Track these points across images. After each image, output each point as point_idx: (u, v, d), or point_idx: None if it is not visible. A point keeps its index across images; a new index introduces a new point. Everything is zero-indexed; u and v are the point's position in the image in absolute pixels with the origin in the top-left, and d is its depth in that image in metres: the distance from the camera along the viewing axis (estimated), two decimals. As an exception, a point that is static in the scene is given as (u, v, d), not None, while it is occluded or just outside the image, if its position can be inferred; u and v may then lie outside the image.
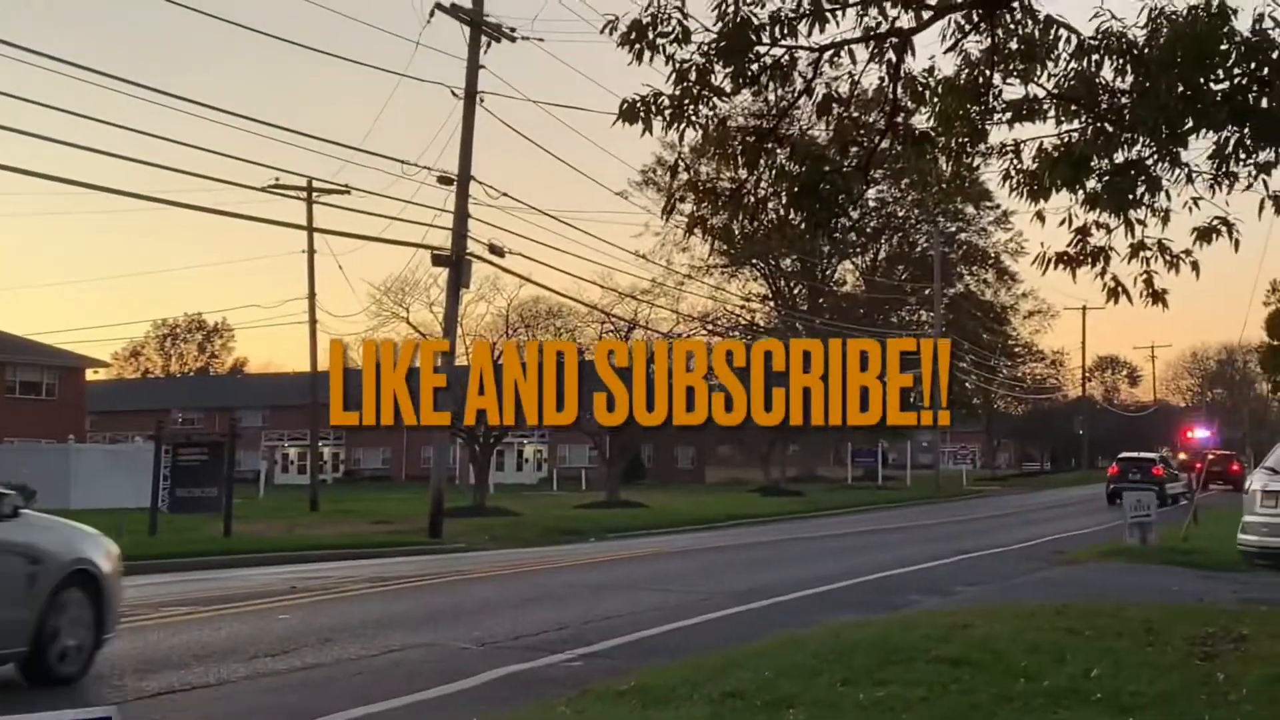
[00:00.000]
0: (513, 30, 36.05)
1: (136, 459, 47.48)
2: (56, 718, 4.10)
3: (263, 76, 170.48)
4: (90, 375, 79.87)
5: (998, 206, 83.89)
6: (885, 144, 11.29)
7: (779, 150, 10.66)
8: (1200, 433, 69.54)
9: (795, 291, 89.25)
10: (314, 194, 51.54)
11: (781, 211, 10.80)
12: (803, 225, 10.82)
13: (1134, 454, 60.28)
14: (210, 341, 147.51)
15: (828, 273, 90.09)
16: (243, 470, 63.70)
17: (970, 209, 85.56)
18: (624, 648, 14.24)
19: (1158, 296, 11.67)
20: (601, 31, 10.19)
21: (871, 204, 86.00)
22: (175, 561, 27.15)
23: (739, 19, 10.00)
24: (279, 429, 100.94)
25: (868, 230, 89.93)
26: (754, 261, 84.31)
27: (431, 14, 34.44)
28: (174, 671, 12.50)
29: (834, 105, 10.85)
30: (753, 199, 10.65)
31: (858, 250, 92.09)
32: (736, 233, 10.92)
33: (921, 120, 11.36)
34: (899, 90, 10.82)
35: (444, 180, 36.08)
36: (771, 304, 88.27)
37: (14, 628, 11.51)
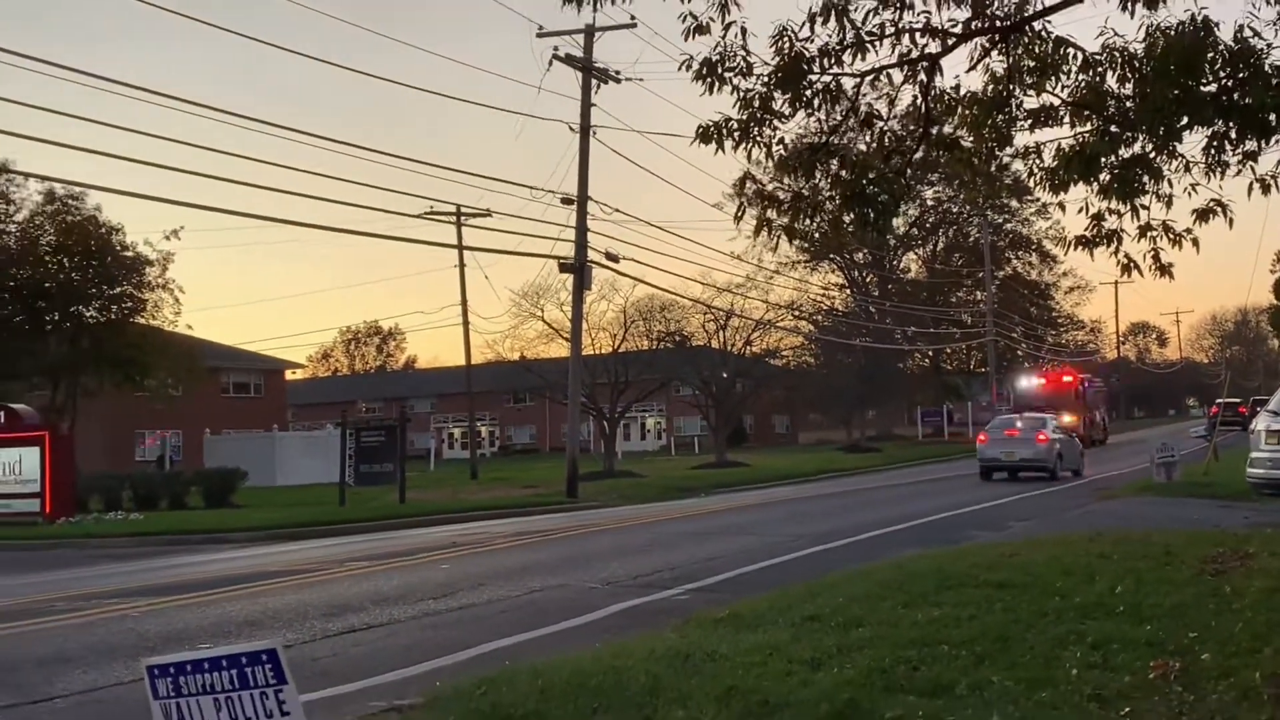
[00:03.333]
0: (618, 73, 36.06)
1: (328, 443, 48.22)
2: (223, 651, 4.17)
3: (414, 122, 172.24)
4: (289, 375, 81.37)
5: (1037, 199, 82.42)
6: (921, 152, 11.18)
7: (831, 161, 10.57)
8: (1067, 379, 63.86)
9: (868, 280, 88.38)
10: (462, 218, 52.04)
11: (835, 213, 10.72)
12: (854, 224, 10.76)
13: (1228, 399, 61.87)
14: (386, 343, 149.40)
15: (894, 263, 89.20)
16: (415, 448, 64.60)
17: (1014, 203, 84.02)
18: (724, 583, 14.25)
19: (1164, 269, 11.43)
20: (679, 69, 10.17)
21: (929, 203, 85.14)
22: (359, 525, 27.65)
23: (794, 53, 9.93)
24: (444, 413, 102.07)
25: (927, 225, 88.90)
26: (831, 256, 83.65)
27: (550, 63, 34.61)
28: (354, 614, 12.72)
29: (876, 121, 10.73)
30: (810, 203, 10.59)
31: (919, 242, 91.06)
32: (799, 232, 10.86)
33: (952, 129, 11.23)
34: (931, 105, 10.70)
35: (566, 201, 36.26)
36: (848, 291, 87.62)
37: (1077, 462, 37.01)
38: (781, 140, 10.26)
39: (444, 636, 11.10)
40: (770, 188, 11.04)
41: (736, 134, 10.05)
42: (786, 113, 10.17)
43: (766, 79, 9.96)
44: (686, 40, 9.65)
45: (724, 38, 9.71)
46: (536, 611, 12.52)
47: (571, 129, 36.08)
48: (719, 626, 9.62)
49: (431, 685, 8.25)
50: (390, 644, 10.85)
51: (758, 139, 10.12)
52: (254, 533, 26.67)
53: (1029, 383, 65.67)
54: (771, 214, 10.67)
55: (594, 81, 35.57)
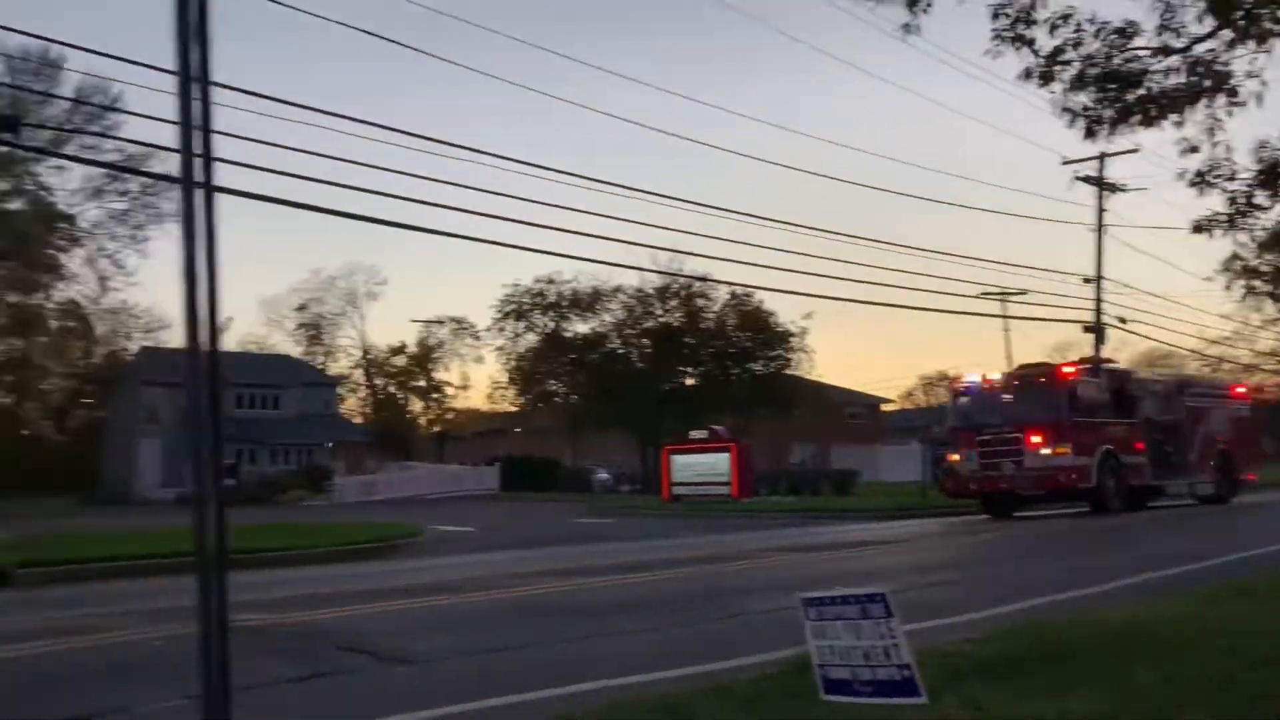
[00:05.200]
0: (1124, 185, 33.07)
1: (912, 454, 47.60)
2: (849, 591, 4.29)
3: (976, 231, 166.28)
4: (885, 408, 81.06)
5: None
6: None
7: (1310, 239, 9.14)
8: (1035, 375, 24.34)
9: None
10: (1005, 297, 49.56)
11: (1315, 279, 9.23)
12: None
13: None
14: (943, 382, 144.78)
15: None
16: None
17: None
18: (1216, 567, 12.39)
19: None
20: (1175, 178, 9.23)
21: None
22: (934, 510, 26.70)
23: (1272, 160, 8.74)
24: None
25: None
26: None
27: (1072, 182, 32.50)
28: (933, 573, 12.38)
29: (1349, 206, 9.16)
30: (1291, 273, 9.21)
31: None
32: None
33: None
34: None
35: (1086, 281, 33.67)
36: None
37: None
38: (1264, 227, 9.02)
39: (998, 591, 10.58)
40: (1254, 263, 9.73)
41: (1225, 224, 8.98)
42: (1266, 205, 8.94)
43: (1249, 181, 8.81)
44: (1180, 157, 8.75)
45: (1211, 152, 8.71)
46: (1070, 579, 11.58)
47: (1089, 229, 33.53)
48: (1237, 596, 8.39)
49: (986, 626, 7.91)
50: (954, 595, 10.51)
51: (1242, 227, 8.98)
52: (864, 513, 26.82)
53: (985, 385, 24.10)
54: (1255, 283, 9.45)
55: (1104, 193, 32.87)
